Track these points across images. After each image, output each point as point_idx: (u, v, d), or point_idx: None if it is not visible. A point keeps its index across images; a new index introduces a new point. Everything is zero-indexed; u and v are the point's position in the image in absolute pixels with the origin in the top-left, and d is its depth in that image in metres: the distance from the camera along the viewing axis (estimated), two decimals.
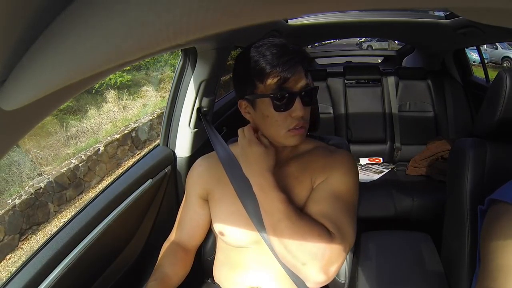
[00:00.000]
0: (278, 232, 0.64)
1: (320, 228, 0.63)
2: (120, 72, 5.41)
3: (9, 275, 0.71)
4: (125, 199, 0.92)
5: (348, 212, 0.68)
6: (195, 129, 1.19)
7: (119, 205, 0.90)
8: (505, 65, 9.61)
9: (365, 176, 1.92)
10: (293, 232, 0.62)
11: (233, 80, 0.74)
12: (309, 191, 0.72)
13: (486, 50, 9.35)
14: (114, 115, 5.18)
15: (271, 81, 0.66)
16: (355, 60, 3.40)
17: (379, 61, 3.40)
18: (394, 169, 2.00)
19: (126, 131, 4.61)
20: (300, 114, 0.67)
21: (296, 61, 0.65)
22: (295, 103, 0.66)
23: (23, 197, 3.31)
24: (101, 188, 1.06)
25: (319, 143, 0.82)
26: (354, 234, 0.67)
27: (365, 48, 10.52)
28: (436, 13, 1.76)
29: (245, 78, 0.69)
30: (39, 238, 3.35)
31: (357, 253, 0.95)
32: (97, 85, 5.07)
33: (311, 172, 0.73)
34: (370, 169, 2.00)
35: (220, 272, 0.83)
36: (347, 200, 0.69)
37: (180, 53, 1.14)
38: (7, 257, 3.13)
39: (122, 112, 5.30)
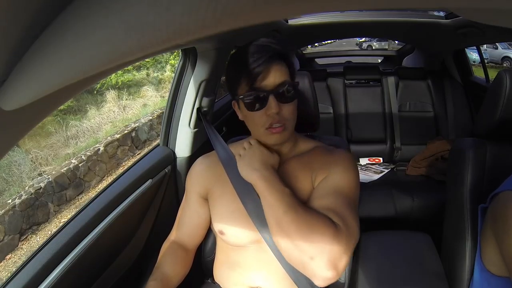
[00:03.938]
0: (284, 225, 0.61)
1: (326, 220, 0.62)
2: (120, 72, 5.42)
3: (9, 275, 0.71)
4: (125, 199, 0.92)
5: (351, 206, 0.67)
6: (195, 129, 1.19)
7: (119, 205, 0.90)
8: (505, 65, 9.60)
9: (365, 176, 1.92)
10: (299, 224, 0.60)
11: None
12: (310, 191, 0.72)
13: (486, 50, 9.33)
14: (114, 115, 5.18)
15: (243, 81, 0.67)
16: (355, 60, 3.40)
17: (379, 61, 3.40)
18: (394, 169, 2.00)
19: (126, 131, 4.60)
20: (274, 111, 0.66)
21: (266, 58, 0.65)
22: (268, 101, 0.67)
23: (23, 197, 3.31)
24: (101, 188, 1.06)
25: (319, 143, 0.82)
26: (358, 229, 0.66)
27: (365, 48, 10.52)
28: (436, 13, 1.76)
29: (229, 80, 0.72)
30: (39, 238, 3.35)
31: (357, 253, 0.95)
32: (97, 85, 5.08)
33: (311, 171, 0.73)
34: (370, 169, 2.00)
35: (220, 272, 0.83)
36: (349, 195, 0.69)
37: (180, 53, 1.14)
38: (7, 257, 3.13)
39: (122, 112, 5.30)
